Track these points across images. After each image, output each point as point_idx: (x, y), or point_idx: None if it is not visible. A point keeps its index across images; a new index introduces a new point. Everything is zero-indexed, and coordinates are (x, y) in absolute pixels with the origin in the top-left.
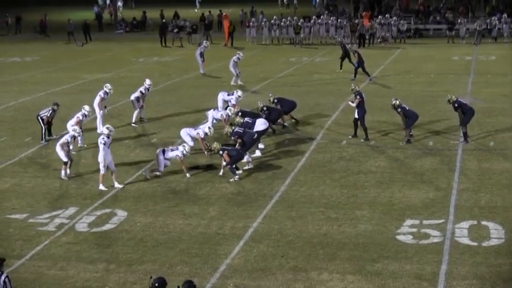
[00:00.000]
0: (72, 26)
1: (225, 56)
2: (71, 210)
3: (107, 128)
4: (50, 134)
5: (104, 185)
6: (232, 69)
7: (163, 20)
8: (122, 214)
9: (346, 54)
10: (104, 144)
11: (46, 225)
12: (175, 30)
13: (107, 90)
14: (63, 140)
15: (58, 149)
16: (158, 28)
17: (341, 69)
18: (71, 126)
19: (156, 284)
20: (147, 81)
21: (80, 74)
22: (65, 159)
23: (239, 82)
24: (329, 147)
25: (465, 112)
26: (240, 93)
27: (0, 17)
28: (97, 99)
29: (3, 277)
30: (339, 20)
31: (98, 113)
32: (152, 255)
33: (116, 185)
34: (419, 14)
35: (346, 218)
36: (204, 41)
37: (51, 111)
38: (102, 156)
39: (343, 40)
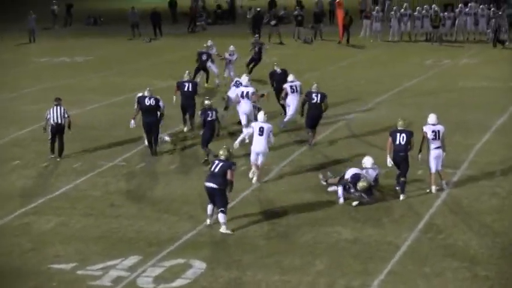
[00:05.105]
0: (136, 15)
1: (339, 57)
2: (132, 259)
3: None
4: None
5: None
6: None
7: (258, 9)
8: (198, 266)
9: (258, 57)
10: None
11: (99, 278)
12: (273, 22)
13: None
14: None
15: None
16: (251, 19)
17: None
18: None
19: None
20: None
21: (148, 79)
22: None
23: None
24: (477, 180)
25: (310, 106)
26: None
27: (46, 3)
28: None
29: None
30: (491, 9)
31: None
32: None
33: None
34: None
35: (501, 277)
36: (209, 41)
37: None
38: None
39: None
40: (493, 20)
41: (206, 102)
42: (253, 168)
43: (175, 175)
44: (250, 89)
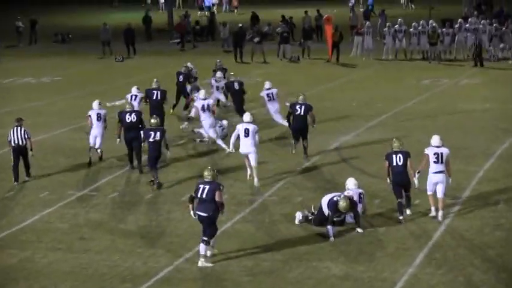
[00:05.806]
0: (108, 32)
1: (328, 77)
2: None
3: None
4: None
5: None
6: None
7: (240, 25)
8: None
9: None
10: None
11: None
12: (256, 40)
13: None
14: None
15: None
16: (232, 36)
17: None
18: None
19: None
20: None
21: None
22: None
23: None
24: (479, 210)
25: (294, 118)
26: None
27: (10, 20)
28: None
29: None
30: (494, 25)
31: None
32: None
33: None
34: None
35: None
36: (189, 64)
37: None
38: None
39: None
40: (474, 36)
41: (152, 121)
42: (249, 171)
43: (150, 206)
44: (210, 101)
